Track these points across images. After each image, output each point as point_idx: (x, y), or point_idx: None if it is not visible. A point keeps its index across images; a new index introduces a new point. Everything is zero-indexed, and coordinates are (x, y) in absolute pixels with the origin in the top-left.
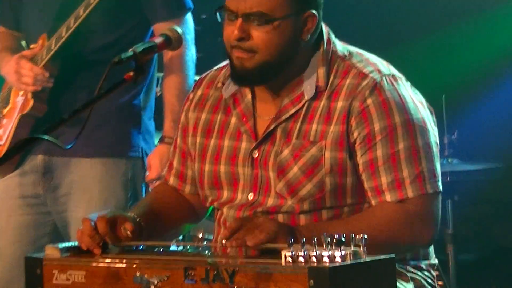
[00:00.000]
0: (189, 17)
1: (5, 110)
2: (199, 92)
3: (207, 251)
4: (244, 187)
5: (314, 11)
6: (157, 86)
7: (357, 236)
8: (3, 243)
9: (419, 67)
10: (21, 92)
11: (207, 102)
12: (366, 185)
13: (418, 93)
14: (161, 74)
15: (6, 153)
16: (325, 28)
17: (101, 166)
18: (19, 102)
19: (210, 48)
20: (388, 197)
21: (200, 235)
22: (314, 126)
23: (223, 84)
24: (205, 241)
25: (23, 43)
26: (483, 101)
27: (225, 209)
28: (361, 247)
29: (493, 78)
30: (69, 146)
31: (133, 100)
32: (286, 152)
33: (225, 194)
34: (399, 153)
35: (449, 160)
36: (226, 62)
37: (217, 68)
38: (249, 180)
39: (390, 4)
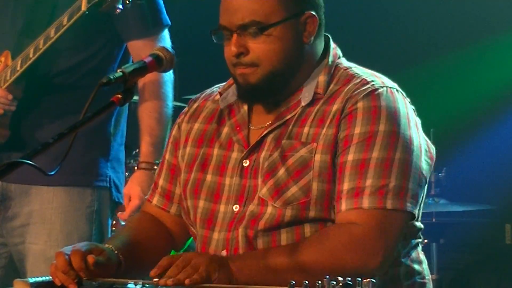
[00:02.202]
0: (166, 34)
1: None
2: (195, 105)
3: None
4: (228, 198)
5: (313, 12)
6: None
7: (364, 280)
8: None
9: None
10: None
11: (201, 114)
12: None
13: (418, 120)
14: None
15: None
16: (333, 44)
17: (64, 196)
18: None
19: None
20: (344, 205)
21: None
22: (306, 129)
23: (221, 95)
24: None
25: None
26: (474, 139)
27: (215, 234)
28: None
29: (487, 116)
30: (52, 173)
31: (103, 125)
32: (275, 154)
33: (202, 204)
34: (369, 161)
35: (436, 199)
36: (225, 82)
37: (217, 86)
38: (236, 190)
39: (382, 34)
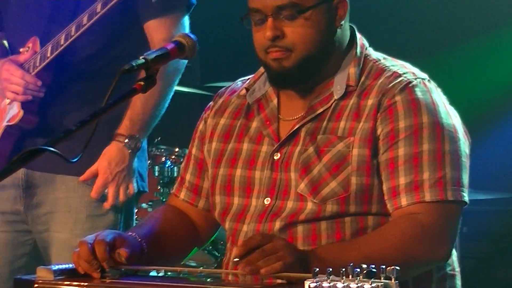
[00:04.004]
0: (186, 21)
1: None
2: (220, 100)
3: (209, 279)
4: (259, 192)
5: None
6: None
7: (388, 267)
8: None
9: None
10: (7, 100)
11: (227, 109)
12: (384, 186)
13: (452, 107)
14: None
15: (9, 165)
16: (358, 34)
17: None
18: (5, 111)
19: None
20: (404, 200)
21: None
22: (342, 124)
23: (247, 90)
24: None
25: (5, 43)
26: (498, 127)
27: (241, 225)
28: (393, 279)
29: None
30: (75, 160)
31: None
32: (311, 149)
33: (236, 201)
34: (422, 154)
35: None
36: (249, 76)
37: (240, 80)
38: (267, 184)
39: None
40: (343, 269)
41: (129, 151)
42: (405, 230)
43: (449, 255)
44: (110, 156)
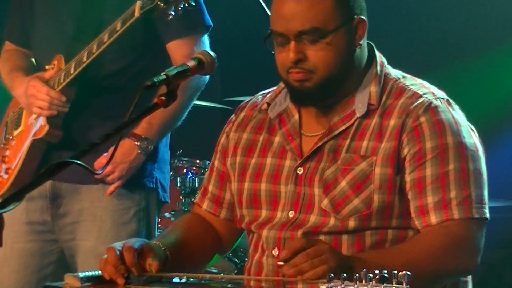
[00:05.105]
0: (206, 39)
1: (16, 132)
2: (242, 114)
3: (230, 285)
4: (284, 205)
5: (362, 16)
6: None
7: (400, 272)
8: (6, 271)
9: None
10: (34, 116)
11: (249, 123)
12: (411, 204)
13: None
14: None
15: (37, 177)
16: (377, 52)
17: (114, 196)
18: (32, 125)
19: None
20: (433, 218)
21: None
22: (365, 143)
23: (268, 105)
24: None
25: (33, 60)
26: (506, 135)
27: (264, 231)
28: (404, 285)
29: None
30: (100, 172)
31: None
32: (333, 167)
33: (264, 213)
34: (448, 174)
35: None
36: (270, 89)
37: (261, 94)
38: (291, 197)
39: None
40: (357, 274)
41: (139, 151)
42: (440, 241)
43: (477, 266)
44: (123, 149)
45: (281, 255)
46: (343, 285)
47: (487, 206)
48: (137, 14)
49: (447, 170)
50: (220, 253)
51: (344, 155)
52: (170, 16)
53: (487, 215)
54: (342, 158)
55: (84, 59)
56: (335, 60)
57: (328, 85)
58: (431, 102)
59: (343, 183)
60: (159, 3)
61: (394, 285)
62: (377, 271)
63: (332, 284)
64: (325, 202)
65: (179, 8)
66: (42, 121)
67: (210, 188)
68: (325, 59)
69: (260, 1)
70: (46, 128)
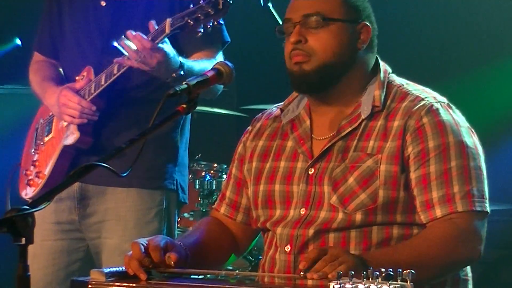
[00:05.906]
0: (221, 53)
1: (47, 139)
2: (258, 125)
3: (247, 281)
4: (296, 203)
5: (367, 23)
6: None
7: (404, 270)
8: (36, 267)
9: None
10: (65, 123)
11: (265, 132)
12: (417, 200)
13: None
14: None
15: (66, 179)
16: (381, 62)
17: (137, 196)
18: (62, 132)
19: None
20: (438, 211)
21: None
22: (371, 143)
23: (281, 111)
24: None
25: (61, 70)
26: (502, 141)
27: (278, 229)
28: (408, 282)
29: None
30: (124, 174)
31: (171, 133)
32: (342, 166)
33: (278, 212)
34: (451, 170)
35: None
36: (280, 103)
37: (275, 106)
38: (302, 196)
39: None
40: (364, 272)
41: (174, 66)
42: (446, 232)
43: (481, 254)
44: (167, 51)
45: (300, 266)
46: (351, 282)
47: (487, 201)
48: (167, 31)
49: (449, 166)
50: (236, 253)
51: (351, 154)
52: (199, 34)
53: (488, 209)
54: (350, 157)
55: (115, 71)
56: (334, 48)
57: (326, 72)
58: (432, 105)
59: (350, 180)
60: (189, 21)
61: (399, 282)
62: (383, 269)
63: (341, 281)
64: (334, 198)
65: (208, 27)
66: (73, 128)
67: (228, 193)
68: (324, 44)
69: (273, 13)
70: (77, 134)
